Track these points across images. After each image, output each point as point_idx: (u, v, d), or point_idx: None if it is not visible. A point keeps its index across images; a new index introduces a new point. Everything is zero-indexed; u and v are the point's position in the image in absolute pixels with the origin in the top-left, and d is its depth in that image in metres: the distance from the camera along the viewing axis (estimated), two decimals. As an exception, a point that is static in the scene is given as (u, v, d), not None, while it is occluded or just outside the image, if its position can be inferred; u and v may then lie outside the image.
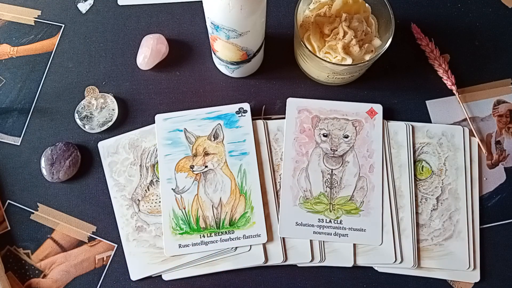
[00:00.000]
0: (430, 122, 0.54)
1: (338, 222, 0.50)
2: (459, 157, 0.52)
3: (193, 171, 0.51)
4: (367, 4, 0.52)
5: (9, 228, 0.51)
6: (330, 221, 0.50)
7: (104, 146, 0.53)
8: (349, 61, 0.49)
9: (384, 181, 0.51)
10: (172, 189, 0.51)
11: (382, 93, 0.55)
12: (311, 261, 0.49)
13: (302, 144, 0.52)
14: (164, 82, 0.56)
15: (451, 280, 0.50)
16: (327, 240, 0.50)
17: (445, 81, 0.55)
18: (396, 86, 0.56)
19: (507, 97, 0.56)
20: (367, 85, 0.56)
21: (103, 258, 0.51)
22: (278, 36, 0.57)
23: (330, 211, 0.50)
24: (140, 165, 0.52)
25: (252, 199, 0.50)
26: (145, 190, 0.51)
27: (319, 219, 0.50)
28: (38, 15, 0.59)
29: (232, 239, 0.49)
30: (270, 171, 0.52)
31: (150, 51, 0.55)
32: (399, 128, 0.53)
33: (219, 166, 0.51)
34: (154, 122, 0.53)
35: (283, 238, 0.50)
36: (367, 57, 0.50)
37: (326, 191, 0.51)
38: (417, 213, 0.51)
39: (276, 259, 0.49)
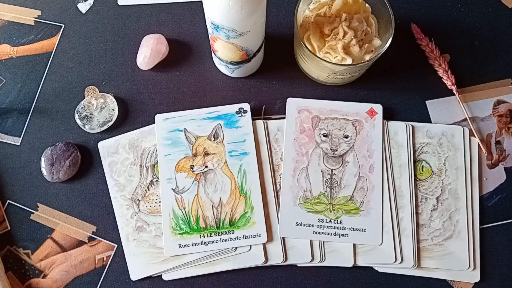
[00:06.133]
0: (430, 122, 0.54)
1: (338, 222, 0.50)
2: (459, 157, 0.52)
3: (193, 171, 0.51)
4: (367, 4, 0.52)
5: (9, 228, 0.51)
6: (330, 221, 0.50)
7: (104, 146, 0.53)
8: (349, 61, 0.49)
9: (384, 181, 0.51)
10: (172, 189, 0.51)
11: (382, 93, 0.55)
12: (311, 261, 0.49)
13: (302, 144, 0.52)
14: (164, 82, 0.56)
15: (451, 280, 0.50)
16: (327, 240, 0.50)
17: (445, 81, 0.55)
18: (396, 86, 0.56)
19: (507, 97, 0.56)
20: (367, 85, 0.56)
21: (103, 258, 0.51)
22: (278, 36, 0.57)
23: (330, 211, 0.50)
24: (140, 165, 0.52)
25: (252, 199, 0.50)
26: (145, 190, 0.51)
27: (319, 219, 0.50)
28: (38, 15, 0.59)
29: (232, 239, 0.49)
30: (270, 171, 0.52)
31: (150, 51, 0.55)
32: (399, 128, 0.53)
33: (219, 166, 0.51)
34: (154, 122, 0.53)
35: (283, 238, 0.50)
36: (367, 57, 0.50)
37: (326, 191, 0.51)
38: (417, 213, 0.51)
39: (276, 259, 0.49)
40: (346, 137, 0.52)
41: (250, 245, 0.49)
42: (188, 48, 0.57)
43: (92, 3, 0.59)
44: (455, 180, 0.52)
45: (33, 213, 0.52)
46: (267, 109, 0.55)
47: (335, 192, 0.51)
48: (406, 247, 0.49)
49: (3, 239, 0.51)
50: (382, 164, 0.52)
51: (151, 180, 0.52)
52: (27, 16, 0.58)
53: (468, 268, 0.49)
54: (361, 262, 0.49)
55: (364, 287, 0.50)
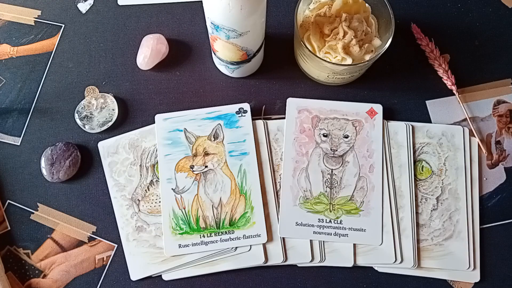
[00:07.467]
0: (430, 122, 0.54)
1: (338, 222, 0.50)
2: (459, 157, 0.52)
3: (193, 171, 0.51)
4: (367, 4, 0.52)
5: (9, 228, 0.51)
6: (330, 221, 0.50)
7: (104, 146, 0.53)
8: (349, 61, 0.49)
9: (384, 181, 0.51)
10: (172, 189, 0.51)
11: (382, 93, 0.55)
12: (311, 261, 0.49)
13: (302, 144, 0.52)
14: (164, 82, 0.56)
15: (451, 280, 0.50)
16: (327, 240, 0.50)
17: (445, 81, 0.55)
18: (396, 86, 0.56)
19: (507, 97, 0.56)
20: (367, 85, 0.56)
21: (103, 258, 0.51)
22: (278, 36, 0.57)
23: (330, 211, 0.50)
24: (140, 165, 0.52)
25: (252, 199, 0.50)
26: (145, 190, 0.51)
27: (319, 219, 0.50)
28: (38, 15, 0.59)
29: (232, 239, 0.49)
30: (270, 171, 0.52)
31: (150, 51, 0.55)
32: (399, 128, 0.53)
33: (219, 166, 0.51)
34: (154, 122, 0.53)
35: (283, 238, 0.50)
36: (367, 57, 0.50)
37: (326, 191, 0.51)
38: (417, 213, 0.51)
39: (276, 259, 0.49)
40: (346, 137, 0.52)
41: (250, 245, 0.49)
42: (188, 48, 0.57)
43: (92, 3, 0.59)
44: (455, 180, 0.52)
45: (33, 213, 0.52)
46: (267, 109, 0.55)
47: (335, 192, 0.51)
48: (406, 247, 0.49)
49: (3, 239, 0.51)
50: (382, 164, 0.52)
51: (151, 180, 0.52)
52: (27, 16, 0.58)
53: (468, 268, 0.49)
54: (361, 262, 0.49)
55: (364, 287, 0.50)
